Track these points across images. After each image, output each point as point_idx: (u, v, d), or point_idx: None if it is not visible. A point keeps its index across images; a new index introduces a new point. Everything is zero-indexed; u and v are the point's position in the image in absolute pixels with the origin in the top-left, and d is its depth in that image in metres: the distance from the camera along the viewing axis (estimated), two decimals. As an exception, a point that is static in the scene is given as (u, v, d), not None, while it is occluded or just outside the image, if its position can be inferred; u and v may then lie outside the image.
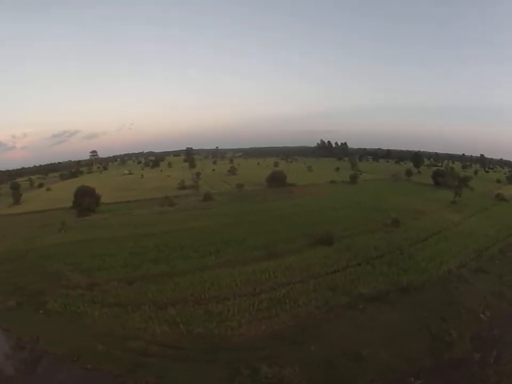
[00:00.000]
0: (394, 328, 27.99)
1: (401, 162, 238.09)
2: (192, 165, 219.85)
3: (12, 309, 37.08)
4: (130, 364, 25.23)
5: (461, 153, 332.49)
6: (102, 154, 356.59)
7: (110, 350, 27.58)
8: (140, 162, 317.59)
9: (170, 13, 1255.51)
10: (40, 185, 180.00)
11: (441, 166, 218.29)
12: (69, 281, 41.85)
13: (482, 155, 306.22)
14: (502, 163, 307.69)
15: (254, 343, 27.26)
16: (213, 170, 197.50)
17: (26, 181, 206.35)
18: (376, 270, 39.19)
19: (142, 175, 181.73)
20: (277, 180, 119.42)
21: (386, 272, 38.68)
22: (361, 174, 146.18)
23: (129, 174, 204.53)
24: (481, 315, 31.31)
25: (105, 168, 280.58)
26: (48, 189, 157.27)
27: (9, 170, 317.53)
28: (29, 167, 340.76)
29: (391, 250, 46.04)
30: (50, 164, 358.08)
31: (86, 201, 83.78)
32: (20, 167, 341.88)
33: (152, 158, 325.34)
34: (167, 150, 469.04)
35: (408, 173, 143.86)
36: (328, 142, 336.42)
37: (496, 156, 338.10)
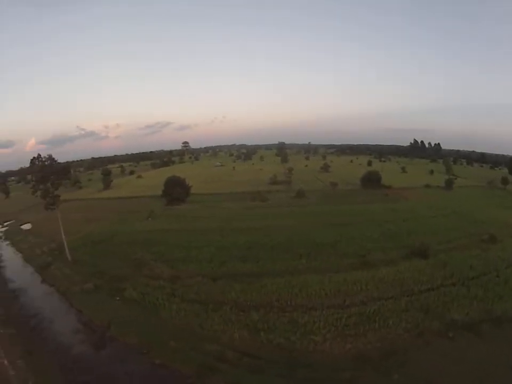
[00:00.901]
0: (484, 365, 25.61)
1: (496, 168, 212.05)
2: (285, 160, 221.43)
3: (89, 291, 41.10)
4: (202, 367, 25.56)
5: None
6: (193, 145, 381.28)
7: (183, 348, 28.43)
8: (231, 155, 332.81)
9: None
10: (131, 172, 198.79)
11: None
12: (151, 271, 44.84)
13: None
14: None
15: (336, 363, 25.90)
16: (306, 166, 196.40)
17: (117, 167, 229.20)
18: (471, 293, 36.49)
19: (234, 168, 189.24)
20: (371, 180, 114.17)
21: (481, 296, 35.74)
22: (456, 179, 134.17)
23: (221, 165, 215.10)
24: None
25: (196, 159, 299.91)
26: (139, 176, 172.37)
27: (102, 158, 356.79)
28: (121, 155, 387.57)
29: (487, 271, 42.82)
30: (142, 152, 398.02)
31: (176, 191, 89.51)
32: (112, 155, 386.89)
33: (244, 151, 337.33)
34: (258, 144, 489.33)
35: (505, 181, 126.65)
36: (421, 141, 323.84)
37: None
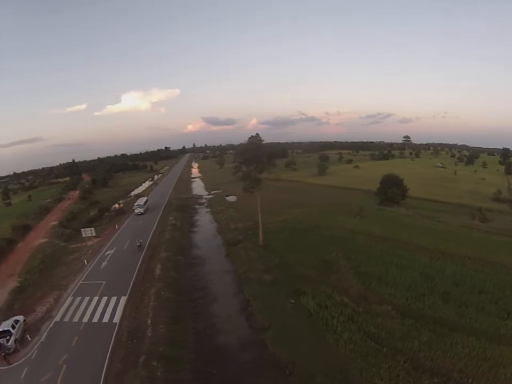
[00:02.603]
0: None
1: None
2: (509, 171, 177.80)
3: (266, 283, 40.98)
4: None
5: None
6: (414, 140, 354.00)
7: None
8: (453, 156, 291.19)
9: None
10: (349, 161, 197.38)
11: None
12: (339, 281, 40.51)
13: None
14: None
15: None
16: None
17: (336, 154, 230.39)
18: None
19: (455, 172, 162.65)
20: None
21: None
22: None
23: (442, 167, 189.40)
24: None
25: (417, 156, 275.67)
26: (356, 167, 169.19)
27: (321, 142, 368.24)
28: (340, 142, 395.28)
29: None
30: (362, 142, 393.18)
31: (391, 192, 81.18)
32: (332, 141, 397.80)
33: (466, 152, 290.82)
34: (481, 146, 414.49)
35: None
36: None
37: None
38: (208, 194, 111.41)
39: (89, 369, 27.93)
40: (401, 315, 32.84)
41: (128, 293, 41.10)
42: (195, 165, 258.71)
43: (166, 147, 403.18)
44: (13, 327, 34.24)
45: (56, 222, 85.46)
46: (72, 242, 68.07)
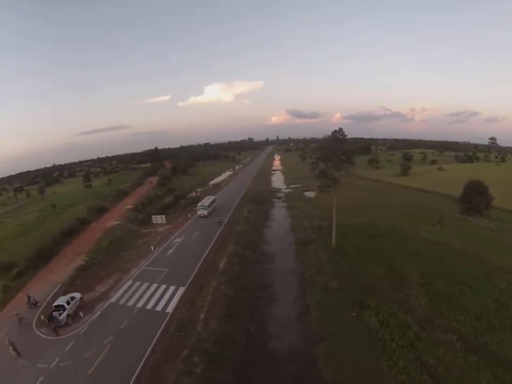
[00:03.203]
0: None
1: None
2: None
3: (331, 291, 37.62)
4: None
5: None
6: (500, 142, 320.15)
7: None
8: None
9: None
10: (433, 162, 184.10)
11: None
12: (408, 298, 35.87)
13: None
14: None
15: None
16: None
17: (420, 153, 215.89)
18: None
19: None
20: None
21: None
22: None
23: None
24: None
25: (502, 160, 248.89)
26: (439, 168, 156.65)
27: (405, 140, 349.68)
28: (425, 140, 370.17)
29: None
30: (447, 141, 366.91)
31: (475, 200, 72.28)
32: (417, 139, 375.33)
33: None
34: None
35: None
36: None
37: None
38: (287, 188, 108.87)
39: (129, 354, 28.32)
40: (465, 348, 27.72)
41: (187, 284, 40.71)
42: (277, 157, 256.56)
43: (249, 138, 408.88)
44: (68, 303, 36.90)
45: (132, 206, 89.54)
46: (143, 227, 70.10)
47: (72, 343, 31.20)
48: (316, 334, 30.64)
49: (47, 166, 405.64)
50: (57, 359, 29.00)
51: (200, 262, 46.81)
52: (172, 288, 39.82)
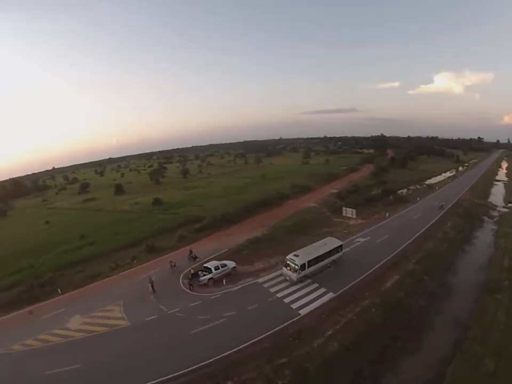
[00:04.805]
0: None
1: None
2: None
3: (484, 374, 25.61)
4: None
5: None
6: None
7: None
8: None
9: None
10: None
11: None
12: None
13: None
14: None
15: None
16: None
17: None
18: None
19: None
20: None
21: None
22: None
23: None
24: None
25: None
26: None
27: None
28: None
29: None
30: None
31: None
32: None
33: None
34: None
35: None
36: None
37: None
38: (504, 207, 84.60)
39: (230, 337, 27.95)
40: None
41: (339, 292, 35.62)
42: (504, 165, 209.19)
43: (478, 137, 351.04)
44: (216, 268, 39.38)
45: (336, 191, 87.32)
46: (337, 215, 66.65)
47: (199, 302, 34.49)
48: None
49: (275, 138, 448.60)
50: (177, 309, 33.31)
51: (367, 273, 39.99)
52: (321, 290, 36.07)
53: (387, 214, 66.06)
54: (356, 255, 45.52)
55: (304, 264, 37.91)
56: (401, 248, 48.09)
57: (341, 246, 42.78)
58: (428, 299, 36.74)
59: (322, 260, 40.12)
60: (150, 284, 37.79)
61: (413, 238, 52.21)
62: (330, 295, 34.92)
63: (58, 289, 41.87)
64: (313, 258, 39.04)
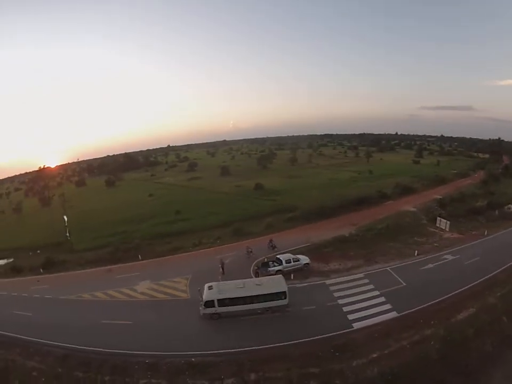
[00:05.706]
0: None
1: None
2: None
3: None
4: None
5: None
6: None
7: None
8: None
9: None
10: None
11: None
12: None
13: None
14: None
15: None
16: None
17: None
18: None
19: None
20: None
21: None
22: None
23: None
24: None
25: None
26: None
27: None
28: None
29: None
30: None
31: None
32: None
33: None
34: None
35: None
36: None
37: None
38: None
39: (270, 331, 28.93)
40: None
41: (403, 313, 32.74)
42: None
43: None
44: (288, 262, 40.57)
45: (440, 197, 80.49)
46: (433, 224, 61.00)
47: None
48: None
49: (391, 133, 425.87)
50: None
51: (441, 299, 35.75)
52: (386, 306, 34.05)
53: (486, 232, 57.85)
54: (437, 274, 41.70)
55: (213, 301, 31.92)
56: (489, 275, 41.77)
57: (284, 292, 33.18)
58: (498, 346, 30.59)
59: (247, 303, 32.61)
60: (220, 265, 40.80)
61: (505, 266, 44.45)
62: (392, 314, 32.85)
63: (139, 255, 47.56)
64: (229, 298, 32.29)
